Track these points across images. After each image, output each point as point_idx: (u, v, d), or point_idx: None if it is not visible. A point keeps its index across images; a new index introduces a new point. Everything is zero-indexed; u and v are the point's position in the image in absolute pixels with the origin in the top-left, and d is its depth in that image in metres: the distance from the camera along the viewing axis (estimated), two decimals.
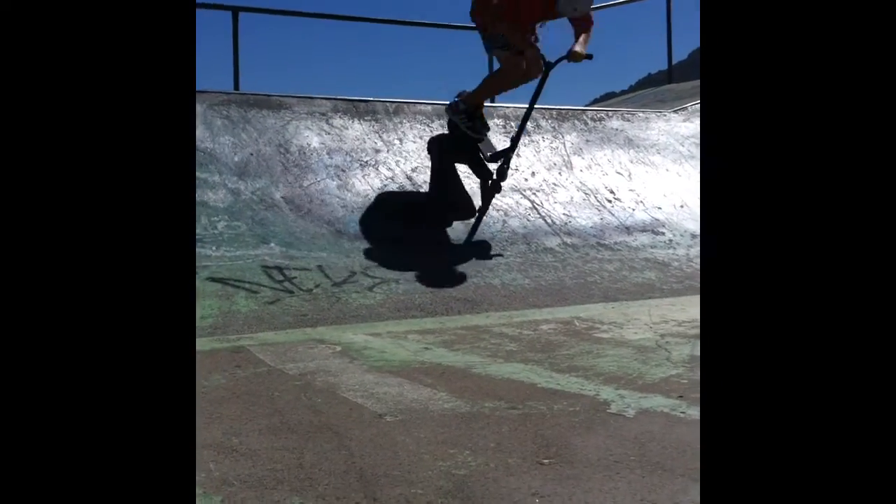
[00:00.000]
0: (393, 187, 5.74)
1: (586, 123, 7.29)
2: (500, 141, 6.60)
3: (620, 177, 6.66)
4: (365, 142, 6.10)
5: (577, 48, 5.25)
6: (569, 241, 5.63)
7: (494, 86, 5.70)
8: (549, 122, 7.07)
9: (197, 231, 4.60)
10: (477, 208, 5.54)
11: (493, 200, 5.64)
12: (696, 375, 2.78)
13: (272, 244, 4.83)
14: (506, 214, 5.77)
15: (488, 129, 5.78)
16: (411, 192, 5.75)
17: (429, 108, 6.75)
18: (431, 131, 6.43)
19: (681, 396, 2.50)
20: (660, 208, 6.35)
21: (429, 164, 5.97)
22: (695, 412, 2.31)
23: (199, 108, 5.61)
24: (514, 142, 5.59)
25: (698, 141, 7.51)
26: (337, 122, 6.23)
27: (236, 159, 5.49)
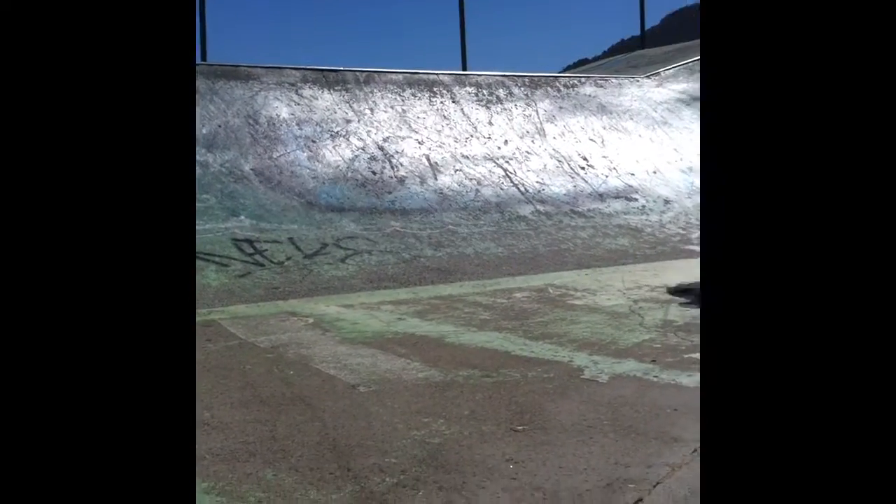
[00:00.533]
0: (364, 157, 5.69)
1: (559, 90, 7.25)
2: (472, 109, 6.57)
3: (593, 143, 6.65)
4: (335, 112, 6.02)
5: None
6: (542, 208, 5.62)
7: None
8: (522, 89, 7.03)
9: None
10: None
11: (466, 169, 5.62)
12: (669, 340, 2.79)
13: (242, 217, 4.76)
14: (479, 183, 5.74)
15: None
16: (382, 162, 5.70)
17: (400, 77, 6.67)
18: (403, 100, 6.36)
19: (653, 361, 2.51)
20: (633, 174, 6.36)
21: (400, 133, 5.91)
22: (667, 376, 2.32)
23: None
24: None
25: (671, 106, 7.52)
26: (306, 92, 6.13)
27: (204, 131, 5.39)
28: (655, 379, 2.31)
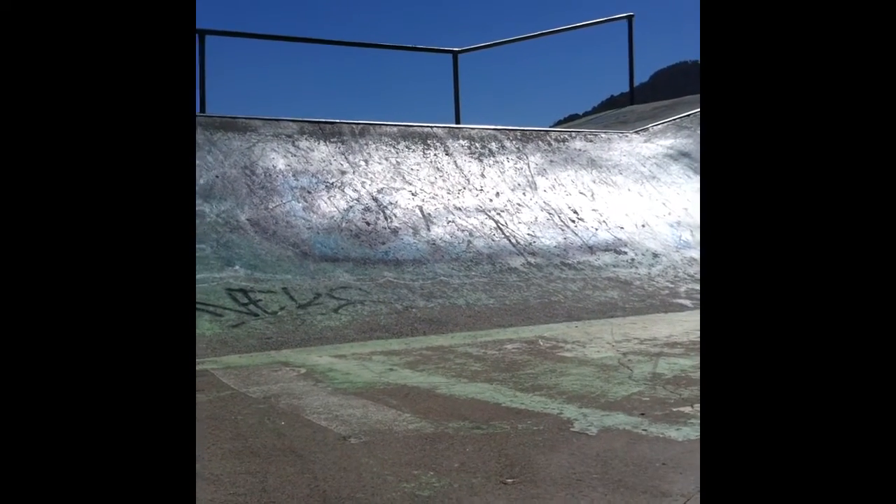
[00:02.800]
0: (358, 208, 5.76)
1: (550, 144, 7.38)
2: (465, 162, 6.67)
3: (584, 197, 6.75)
4: (331, 163, 6.12)
5: None
6: (533, 260, 5.68)
7: None
8: (514, 143, 7.15)
9: None
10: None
11: (459, 220, 5.69)
12: (658, 393, 2.82)
13: (237, 267, 4.81)
14: (471, 235, 5.81)
15: None
16: (376, 213, 5.77)
17: (394, 129, 6.79)
18: (397, 152, 6.46)
19: (643, 414, 2.54)
20: (622, 228, 6.44)
21: (394, 185, 6.00)
22: (656, 429, 2.35)
23: None
24: None
25: (659, 161, 7.65)
26: (303, 143, 6.24)
27: (201, 182, 5.46)
28: (644, 432, 2.34)
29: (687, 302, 5.19)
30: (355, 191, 5.92)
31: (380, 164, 6.31)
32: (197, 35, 8.21)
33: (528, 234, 6.01)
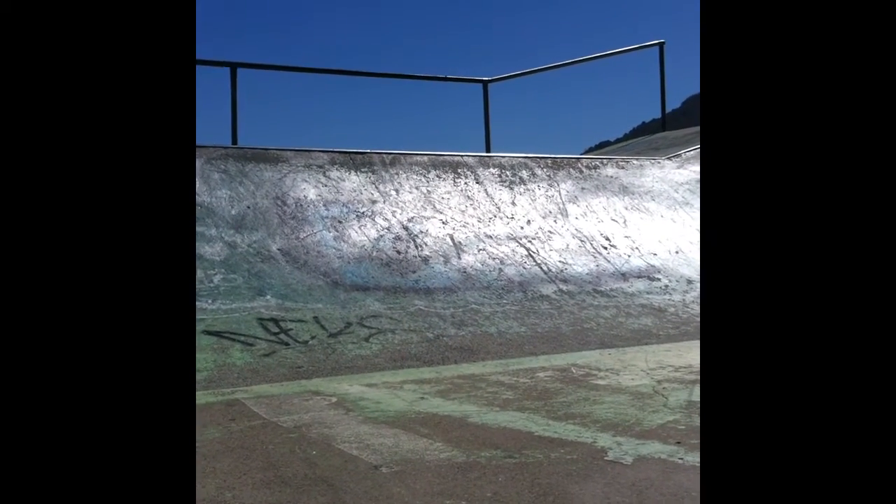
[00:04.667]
0: (389, 237, 5.77)
1: (581, 171, 7.36)
2: (496, 190, 6.67)
3: (615, 224, 6.70)
4: (361, 193, 6.15)
5: None
6: (565, 288, 5.63)
7: None
8: (545, 170, 7.14)
9: None
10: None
11: (490, 248, 5.68)
12: (694, 421, 2.76)
13: (268, 296, 4.83)
14: (502, 262, 5.79)
15: None
16: (407, 242, 5.78)
17: (425, 158, 6.82)
18: (427, 182, 6.49)
19: (678, 442, 2.48)
20: (655, 254, 6.38)
21: (424, 213, 6.02)
22: (692, 458, 2.29)
23: (197, 163, 5.67)
24: None
25: (692, 187, 7.57)
26: (334, 174, 6.29)
27: (233, 212, 5.52)
28: (680, 461, 2.28)
29: None
30: (386, 220, 5.94)
31: (410, 193, 6.33)
32: (230, 68, 8.36)
33: (560, 262, 5.97)
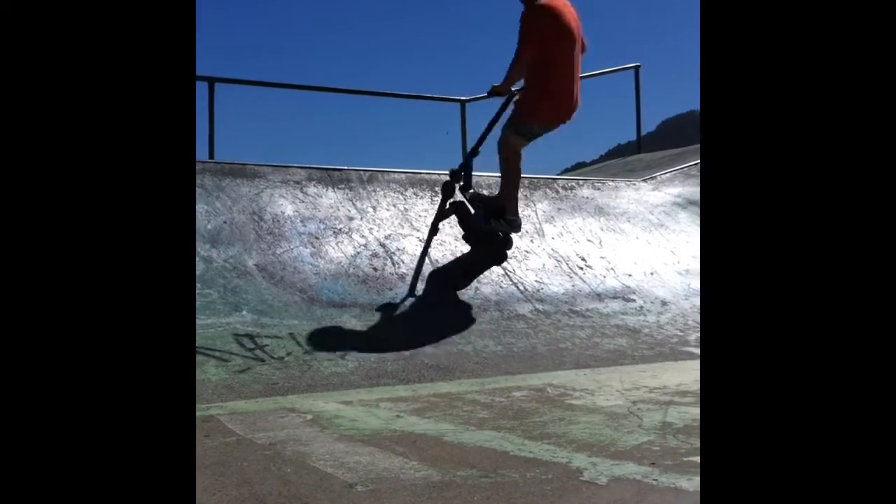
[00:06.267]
0: (366, 254, 5.77)
1: (557, 192, 7.42)
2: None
3: (591, 244, 6.75)
4: (339, 209, 6.15)
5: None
6: (541, 307, 5.66)
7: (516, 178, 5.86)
8: (521, 190, 7.17)
9: None
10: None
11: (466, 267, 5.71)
12: (669, 442, 2.78)
13: (244, 312, 4.80)
14: (478, 281, 5.80)
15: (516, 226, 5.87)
16: (384, 259, 5.78)
17: (402, 176, 6.84)
18: (405, 199, 6.50)
19: (653, 464, 2.50)
20: (630, 275, 6.43)
21: (402, 231, 6.02)
22: (667, 479, 2.31)
23: None
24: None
25: (668, 210, 7.66)
26: (311, 190, 6.28)
27: (209, 227, 5.49)
28: (655, 482, 2.30)
29: (696, 350, 5.15)
30: (363, 237, 5.94)
31: (388, 210, 6.34)
32: (207, 83, 8.34)
33: (536, 281, 6.00)
